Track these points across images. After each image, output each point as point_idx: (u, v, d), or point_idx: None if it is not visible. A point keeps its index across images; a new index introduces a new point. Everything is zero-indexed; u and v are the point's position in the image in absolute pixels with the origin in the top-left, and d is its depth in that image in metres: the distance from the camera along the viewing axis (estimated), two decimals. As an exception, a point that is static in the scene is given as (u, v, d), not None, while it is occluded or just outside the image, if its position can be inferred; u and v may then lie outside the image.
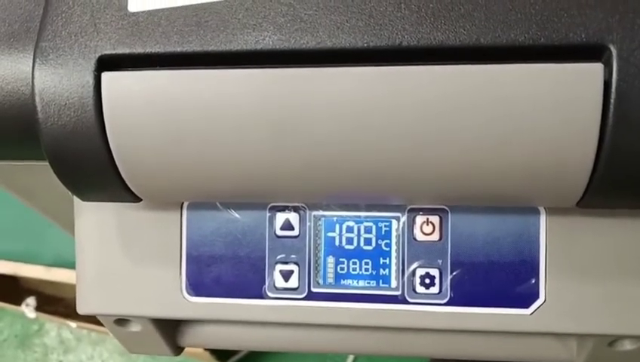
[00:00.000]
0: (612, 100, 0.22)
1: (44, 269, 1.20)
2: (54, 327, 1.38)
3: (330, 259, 0.32)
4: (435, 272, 0.32)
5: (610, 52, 0.22)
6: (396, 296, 0.32)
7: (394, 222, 0.32)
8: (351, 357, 1.06)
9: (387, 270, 0.32)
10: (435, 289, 0.32)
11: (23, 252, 1.23)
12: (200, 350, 1.08)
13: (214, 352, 1.12)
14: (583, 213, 0.30)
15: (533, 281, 0.31)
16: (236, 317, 0.33)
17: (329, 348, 0.37)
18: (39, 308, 1.27)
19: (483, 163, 0.24)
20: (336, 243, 0.32)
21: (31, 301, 1.27)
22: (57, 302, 1.30)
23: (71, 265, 1.15)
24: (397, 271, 0.32)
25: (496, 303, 0.31)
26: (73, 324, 1.27)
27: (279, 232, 0.33)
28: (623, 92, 0.22)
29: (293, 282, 0.33)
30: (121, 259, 0.34)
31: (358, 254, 0.32)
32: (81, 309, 0.35)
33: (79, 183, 0.28)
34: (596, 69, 0.22)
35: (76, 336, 1.37)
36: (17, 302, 1.27)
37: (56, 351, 1.37)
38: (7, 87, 0.27)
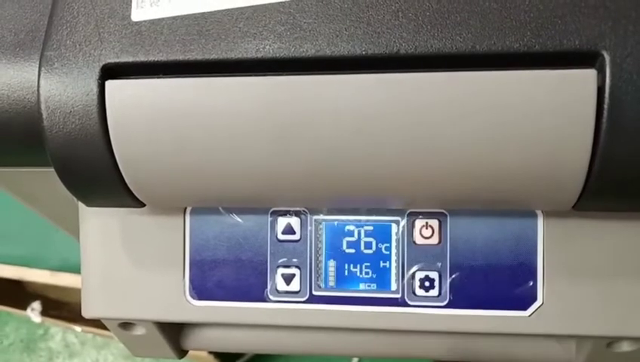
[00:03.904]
0: (605, 106, 0.22)
1: (49, 273, 1.20)
2: (59, 331, 1.38)
3: (331, 263, 0.33)
4: (434, 275, 0.32)
5: (604, 58, 0.23)
6: (396, 298, 0.32)
7: (394, 225, 0.32)
8: (354, 361, 1.06)
9: (387, 273, 0.32)
10: (434, 292, 0.32)
11: (28, 256, 1.23)
12: (204, 353, 1.08)
13: (218, 355, 1.12)
14: (580, 215, 0.30)
15: (531, 284, 0.31)
16: (239, 321, 0.34)
17: (331, 350, 0.38)
18: (44, 313, 1.27)
19: (480, 167, 0.25)
20: (337, 246, 0.33)
21: (36, 305, 1.27)
22: (62, 307, 1.30)
23: (76, 270, 1.15)
24: (397, 274, 0.32)
25: (495, 305, 0.32)
26: (78, 328, 1.27)
27: (281, 236, 0.33)
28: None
29: (295, 285, 0.33)
30: (125, 263, 0.34)
31: (359, 258, 0.33)
32: (86, 313, 0.35)
33: (84, 189, 0.28)
34: (590, 75, 0.23)
35: (81, 340, 1.38)
36: (23, 306, 1.28)
37: (61, 355, 1.37)
38: (13, 95, 0.28)
